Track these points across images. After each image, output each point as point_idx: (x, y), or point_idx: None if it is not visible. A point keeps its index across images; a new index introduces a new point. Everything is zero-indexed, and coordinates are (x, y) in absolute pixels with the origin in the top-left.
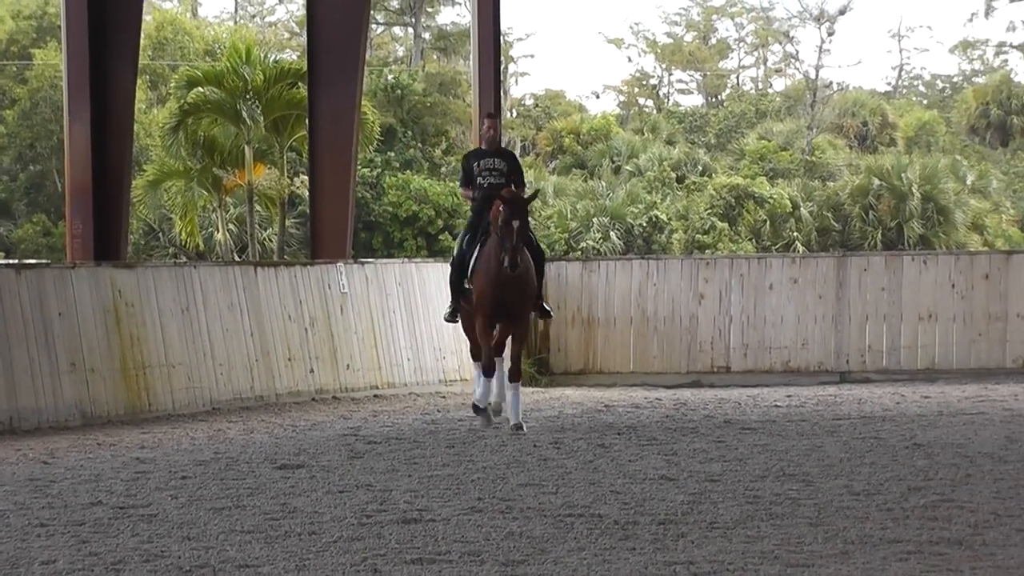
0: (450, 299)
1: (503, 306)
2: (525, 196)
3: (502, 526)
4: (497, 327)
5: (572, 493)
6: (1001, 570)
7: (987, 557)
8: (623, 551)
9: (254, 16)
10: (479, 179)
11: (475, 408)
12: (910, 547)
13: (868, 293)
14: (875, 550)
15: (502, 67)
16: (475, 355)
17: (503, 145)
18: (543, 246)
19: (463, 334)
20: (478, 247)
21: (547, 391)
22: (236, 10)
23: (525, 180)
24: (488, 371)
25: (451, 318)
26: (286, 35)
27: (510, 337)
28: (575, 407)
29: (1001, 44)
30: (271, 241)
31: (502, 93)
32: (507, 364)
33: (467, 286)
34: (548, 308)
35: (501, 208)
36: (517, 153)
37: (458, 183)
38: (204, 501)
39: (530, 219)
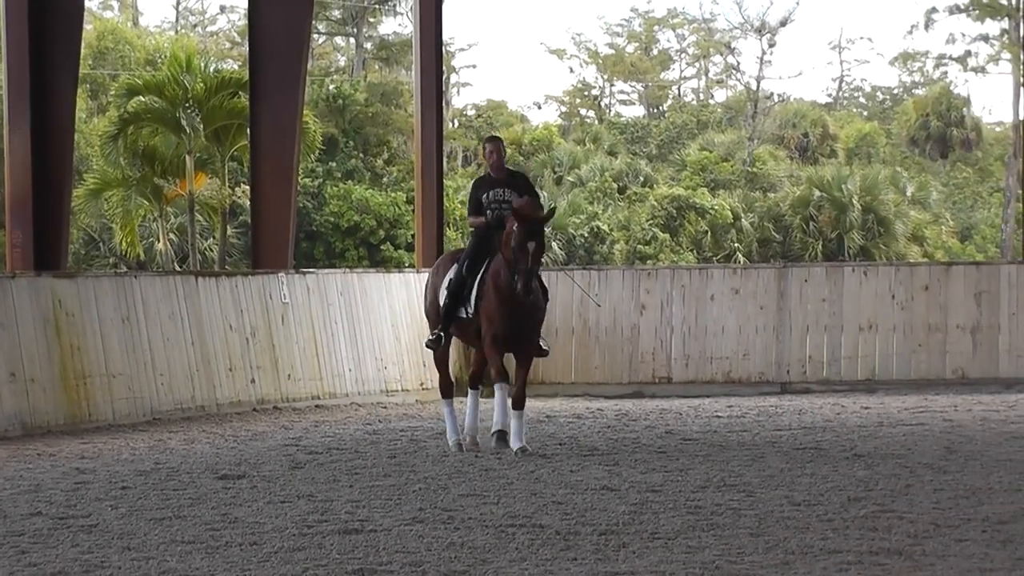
0: (437, 326)
1: (515, 333)
2: (542, 215)
3: (443, 536)
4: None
5: (514, 503)
6: None
7: (927, 567)
8: (564, 561)
9: (195, 26)
10: (488, 211)
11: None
12: (850, 557)
13: (809, 304)
14: (816, 560)
15: (444, 77)
16: (444, 391)
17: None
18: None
19: (405, 346)
20: (481, 272)
21: (489, 401)
22: (177, 20)
23: (541, 203)
24: (500, 380)
25: (434, 345)
26: (227, 45)
27: (515, 362)
28: None
29: (941, 56)
30: (212, 251)
31: (444, 103)
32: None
33: (463, 315)
34: (546, 348)
35: (515, 228)
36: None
37: (467, 212)
38: (144, 512)
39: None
